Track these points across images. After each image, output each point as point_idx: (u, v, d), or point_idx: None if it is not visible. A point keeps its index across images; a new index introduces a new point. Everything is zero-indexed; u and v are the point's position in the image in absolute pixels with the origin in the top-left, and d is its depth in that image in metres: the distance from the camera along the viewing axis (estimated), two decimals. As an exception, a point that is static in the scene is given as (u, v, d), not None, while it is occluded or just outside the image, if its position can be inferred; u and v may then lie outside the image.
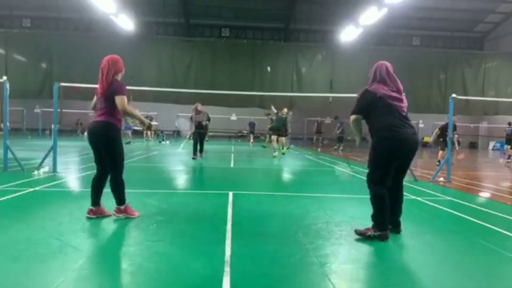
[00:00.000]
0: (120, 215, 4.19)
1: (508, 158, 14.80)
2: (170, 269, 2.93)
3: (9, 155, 7.80)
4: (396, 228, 3.93)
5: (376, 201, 3.71)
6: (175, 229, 4.04)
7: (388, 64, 4.26)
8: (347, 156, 14.13)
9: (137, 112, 4.29)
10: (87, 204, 4.27)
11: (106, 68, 4.05)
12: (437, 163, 11.63)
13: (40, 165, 7.73)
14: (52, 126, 8.01)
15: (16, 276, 2.66)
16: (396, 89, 4.04)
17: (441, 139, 11.58)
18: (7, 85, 7.75)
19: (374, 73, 4.19)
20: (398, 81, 4.11)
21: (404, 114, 3.88)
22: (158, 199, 5.52)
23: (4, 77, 7.76)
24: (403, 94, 4.06)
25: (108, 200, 4.35)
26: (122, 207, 4.22)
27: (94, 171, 4.34)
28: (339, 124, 19.29)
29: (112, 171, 4.15)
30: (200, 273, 2.82)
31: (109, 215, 4.25)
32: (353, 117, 3.87)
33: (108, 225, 3.96)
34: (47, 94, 18.72)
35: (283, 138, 14.24)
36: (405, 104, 3.97)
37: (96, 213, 4.22)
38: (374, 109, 3.85)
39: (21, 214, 4.43)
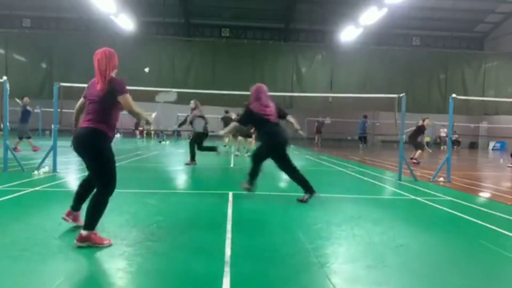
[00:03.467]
0: (84, 244, 3.24)
1: None
2: (170, 269, 2.93)
3: (9, 155, 7.80)
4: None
5: (254, 170, 5.74)
6: (175, 229, 4.04)
7: (263, 86, 5.77)
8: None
9: (141, 110, 3.65)
10: (87, 204, 4.26)
11: (103, 63, 3.41)
12: (414, 161, 12.45)
13: (40, 165, 7.73)
14: (52, 126, 8.01)
15: (16, 276, 2.66)
16: (265, 105, 5.62)
17: (418, 140, 12.70)
18: (7, 85, 7.75)
19: (253, 94, 5.69)
20: (269, 98, 5.73)
21: (274, 121, 5.63)
22: (158, 199, 5.51)
23: (4, 77, 7.76)
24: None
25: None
26: (85, 233, 3.27)
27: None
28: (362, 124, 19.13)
29: (100, 187, 3.42)
30: (200, 273, 2.82)
31: (79, 226, 3.56)
32: (235, 123, 5.54)
33: (108, 225, 3.95)
34: (47, 94, 18.73)
35: (251, 139, 13.90)
36: (273, 115, 5.62)
37: (74, 219, 3.76)
38: (253, 121, 5.74)
39: (21, 214, 4.43)
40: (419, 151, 12.54)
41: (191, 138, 10.84)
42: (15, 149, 11.53)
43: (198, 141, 10.45)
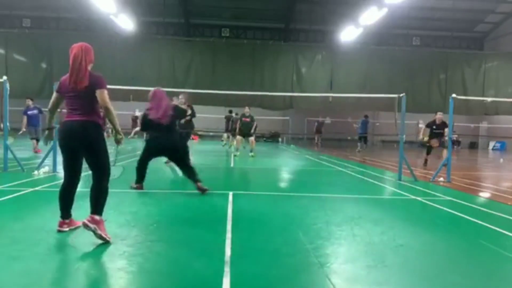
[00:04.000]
0: (92, 226, 3.34)
1: None
2: (170, 269, 2.93)
3: (9, 155, 7.80)
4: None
5: (138, 169, 6.22)
6: (175, 229, 4.04)
7: (156, 92, 6.06)
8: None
9: (116, 118, 3.59)
10: (87, 204, 4.25)
11: (79, 57, 3.41)
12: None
13: (40, 165, 7.73)
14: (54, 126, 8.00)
15: (16, 276, 2.66)
16: (156, 109, 5.89)
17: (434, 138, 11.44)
18: (7, 85, 7.75)
19: (149, 99, 6.05)
20: (162, 102, 5.94)
21: (166, 125, 5.86)
22: (158, 199, 5.52)
23: (4, 77, 7.76)
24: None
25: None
26: (98, 218, 3.43)
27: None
28: (360, 124, 19.07)
29: (101, 176, 3.56)
30: (200, 273, 2.82)
31: (79, 226, 3.63)
32: (138, 128, 5.89)
33: (108, 225, 3.95)
34: (47, 94, 18.70)
35: (251, 138, 13.73)
36: (165, 118, 5.85)
37: (70, 225, 3.72)
38: (150, 125, 6.09)
39: (21, 214, 4.43)
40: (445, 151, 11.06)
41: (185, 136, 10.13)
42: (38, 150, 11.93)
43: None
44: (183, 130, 9.71)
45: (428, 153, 12.07)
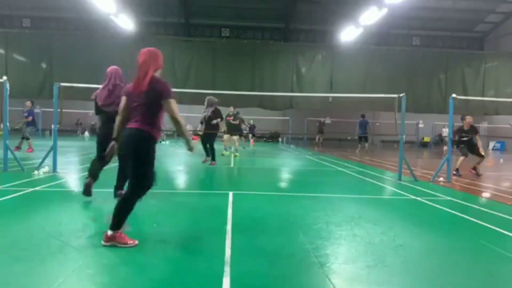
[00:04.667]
0: (108, 243, 3.26)
1: None
2: (170, 269, 2.93)
3: (9, 155, 7.80)
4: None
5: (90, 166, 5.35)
6: (175, 229, 4.04)
7: (110, 69, 5.06)
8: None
9: (185, 127, 3.47)
10: (87, 204, 4.27)
11: (146, 63, 3.32)
12: (454, 172, 9.50)
13: (40, 165, 7.73)
14: (52, 126, 8.01)
15: (16, 276, 2.66)
16: (100, 93, 5.05)
17: (462, 145, 9.78)
18: (7, 85, 7.75)
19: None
20: (115, 84, 4.95)
21: (109, 111, 4.81)
22: (159, 199, 5.51)
23: (4, 77, 7.76)
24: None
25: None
26: (110, 233, 3.27)
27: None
28: (358, 124, 19.18)
29: (133, 189, 3.38)
30: (200, 273, 2.82)
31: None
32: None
33: (108, 225, 3.95)
34: (47, 94, 18.70)
35: (234, 138, 13.87)
36: (112, 106, 4.79)
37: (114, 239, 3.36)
38: (98, 112, 5.13)
39: (21, 214, 4.43)
40: (461, 158, 9.82)
41: (206, 136, 10.69)
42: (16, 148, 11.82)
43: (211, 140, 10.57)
44: (211, 131, 10.44)
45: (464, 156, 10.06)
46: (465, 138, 9.79)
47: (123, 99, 3.47)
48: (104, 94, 4.86)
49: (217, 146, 11.28)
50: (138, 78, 3.31)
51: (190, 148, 3.59)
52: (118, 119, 3.49)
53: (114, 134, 3.50)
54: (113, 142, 3.48)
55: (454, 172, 9.53)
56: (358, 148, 19.14)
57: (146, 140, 3.33)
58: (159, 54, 3.47)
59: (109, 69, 4.98)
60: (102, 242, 3.27)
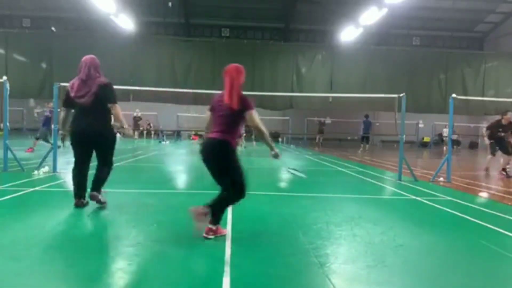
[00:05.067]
0: (211, 236, 3.58)
1: None
2: (170, 269, 2.93)
3: (9, 155, 7.80)
4: None
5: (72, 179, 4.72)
6: (175, 229, 4.04)
7: (85, 59, 4.59)
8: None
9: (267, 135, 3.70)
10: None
11: (234, 78, 3.64)
12: (503, 172, 9.83)
13: (40, 165, 7.73)
14: (52, 126, 8.01)
15: (16, 276, 2.66)
16: (72, 83, 4.55)
17: (493, 140, 9.91)
18: (7, 85, 7.75)
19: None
20: (89, 74, 4.49)
21: (85, 106, 4.41)
22: (158, 199, 5.52)
23: (4, 77, 7.76)
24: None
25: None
26: (215, 227, 3.62)
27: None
28: (362, 124, 19.19)
29: (235, 192, 3.63)
30: (200, 273, 2.82)
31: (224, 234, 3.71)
32: (62, 113, 4.58)
33: (109, 226, 3.96)
34: (47, 94, 18.69)
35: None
36: (86, 98, 4.40)
37: (216, 232, 3.65)
38: (69, 104, 4.59)
39: (21, 214, 4.42)
40: (489, 157, 10.01)
41: None
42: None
43: None
44: None
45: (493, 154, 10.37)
46: (502, 134, 9.80)
47: (210, 115, 3.79)
48: (75, 85, 4.43)
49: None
50: (229, 96, 3.59)
51: (275, 155, 3.79)
52: (205, 132, 3.88)
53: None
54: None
55: (504, 173, 9.59)
56: (361, 148, 19.15)
57: (231, 150, 3.60)
58: (243, 70, 3.79)
59: (84, 58, 4.59)
60: (204, 235, 3.57)
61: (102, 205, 4.64)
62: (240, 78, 3.69)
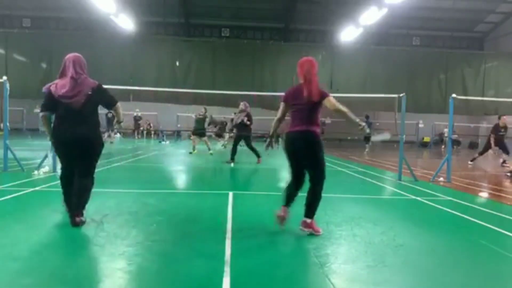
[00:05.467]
0: (307, 230, 3.81)
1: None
2: (170, 269, 2.93)
3: (9, 155, 7.80)
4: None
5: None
6: (175, 229, 4.04)
7: (70, 57, 4.16)
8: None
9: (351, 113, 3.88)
10: (87, 203, 4.22)
11: (311, 71, 3.79)
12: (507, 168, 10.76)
13: (40, 165, 7.73)
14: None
15: (16, 276, 2.66)
16: (61, 82, 3.97)
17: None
18: (7, 85, 7.75)
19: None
20: (69, 71, 4.01)
21: (76, 110, 3.86)
22: (158, 199, 5.51)
23: (4, 77, 7.76)
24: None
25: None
26: (309, 221, 3.84)
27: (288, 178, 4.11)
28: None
29: (320, 180, 3.97)
30: (200, 273, 2.82)
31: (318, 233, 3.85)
32: (40, 114, 4.05)
33: (108, 226, 3.96)
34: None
35: (204, 138, 13.97)
36: (75, 98, 3.87)
37: (309, 227, 3.86)
38: (51, 106, 3.98)
39: (21, 214, 4.42)
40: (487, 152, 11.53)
41: (235, 138, 11.54)
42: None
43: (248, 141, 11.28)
44: (245, 133, 11.10)
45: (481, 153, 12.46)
46: (503, 134, 11.46)
47: (283, 105, 3.98)
48: (67, 84, 3.89)
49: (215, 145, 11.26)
50: (309, 89, 3.74)
51: (363, 129, 3.95)
52: (276, 123, 4.14)
53: (271, 133, 4.29)
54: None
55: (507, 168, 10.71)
56: (366, 149, 19.20)
57: (318, 139, 3.84)
58: (316, 63, 3.95)
59: (68, 56, 4.18)
60: (301, 227, 3.82)
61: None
62: (315, 70, 3.83)
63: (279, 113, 4.06)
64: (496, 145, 11.47)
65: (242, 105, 11.33)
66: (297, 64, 3.92)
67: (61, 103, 3.84)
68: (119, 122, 4.36)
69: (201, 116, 13.80)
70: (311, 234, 3.84)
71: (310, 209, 3.85)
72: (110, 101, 4.13)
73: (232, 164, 10.69)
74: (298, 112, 3.82)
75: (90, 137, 3.94)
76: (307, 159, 3.88)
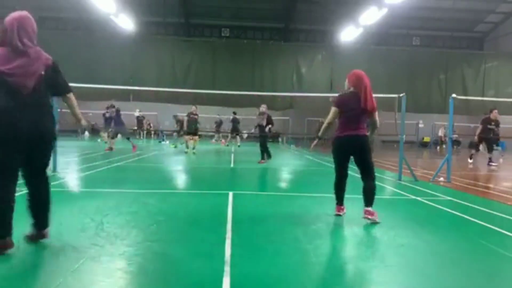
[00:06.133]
0: (371, 217, 4.36)
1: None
2: (170, 269, 2.93)
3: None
4: None
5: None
6: (175, 229, 4.04)
7: (17, 18, 3.23)
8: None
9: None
10: (87, 204, 4.26)
11: (368, 84, 4.49)
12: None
13: None
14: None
15: (16, 276, 2.65)
16: (7, 57, 2.95)
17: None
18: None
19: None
20: (23, 41, 3.07)
21: (25, 93, 2.91)
22: (158, 199, 5.51)
23: (4, 77, 7.73)
24: None
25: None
26: (372, 209, 4.41)
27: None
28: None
29: (370, 174, 4.71)
30: (200, 273, 2.82)
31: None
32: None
33: (108, 225, 3.96)
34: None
35: (196, 137, 14.08)
36: (24, 80, 2.91)
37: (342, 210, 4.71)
38: None
39: (21, 214, 4.41)
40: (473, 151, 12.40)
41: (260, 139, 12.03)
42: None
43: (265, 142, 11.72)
44: (262, 133, 11.55)
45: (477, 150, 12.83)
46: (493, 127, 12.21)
47: (335, 110, 4.64)
48: (5, 56, 2.95)
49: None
50: (368, 101, 4.49)
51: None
52: (326, 125, 4.90)
53: (321, 134, 5.41)
54: None
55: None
56: None
57: (368, 141, 4.59)
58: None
59: (11, 17, 3.27)
60: (365, 216, 4.37)
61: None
62: (369, 83, 4.51)
63: (331, 118, 4.71)
64: (481, 140, 12.37)
65: (262, 108, 11.70)
66: (354, 74, 4.58)
67: (4, 83, 2.86)
68: (78, 120, 3.47)
69: (195, 116, 13.77)
70: (305, 234, 3.84)
71: (371, 200, 4.48)
72: (63, 84, 3.30)
73: (265, 162, 11.21)
74: (354, 117, 4.49)
75: (51, 132, 3.11)
76: (361, 158, 4.61)
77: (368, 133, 4.64)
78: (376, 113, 4.61)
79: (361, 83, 4.44)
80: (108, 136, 15.40)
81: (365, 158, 4.59)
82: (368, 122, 4.68)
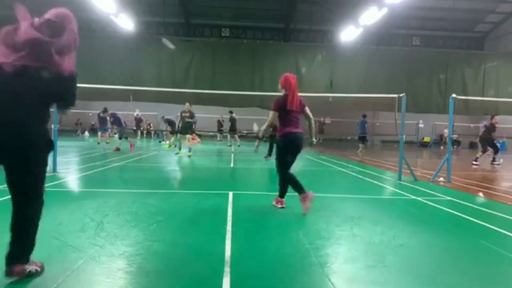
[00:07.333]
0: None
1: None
2: (170, 269, 2.93)
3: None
4: None
5: None
6: (175, 229, 4.04)
7: None
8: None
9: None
10: (87, 204, 4.26)
11: (294, 85, 4.88)
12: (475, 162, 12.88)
13: None
14: (52, 126, 8.01)
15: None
16: None
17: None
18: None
19: None
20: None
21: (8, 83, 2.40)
22: (158, 199, 5.51)
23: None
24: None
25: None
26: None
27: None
28: (360, 124, 19.18)
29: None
30: (200, 273, 2.82)
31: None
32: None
33: (108, 225, 3.96)
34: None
35: (189, 136, 13.43)
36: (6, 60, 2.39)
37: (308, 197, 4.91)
38: None
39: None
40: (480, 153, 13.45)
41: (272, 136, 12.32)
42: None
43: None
44: (273, 132, 11.40)
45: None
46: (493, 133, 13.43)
47: (274, 113, 4.92)
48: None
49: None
50: (294, 99, 4.86)
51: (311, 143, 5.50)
52: (266, 127, 5.26)
53: (261, 135, 5.90)
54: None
55: (476, 164, 12.65)
56: (359, 149, 19.14)
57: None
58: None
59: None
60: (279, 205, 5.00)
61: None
62: (295, 84, 4.91)
63: (270, 119, 5.00)
64: (484, 142, 13.50)
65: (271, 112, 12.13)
66: (285, 78, 4.91)
67: None
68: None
69: (186, 114, 13.53)
70: (305, 234, 3.84)
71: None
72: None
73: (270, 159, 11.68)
74: (295, 118, 4.88)
75: (32, 137, 2.44)
76: (298, 153, 5.02)
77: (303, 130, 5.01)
78: (307, 107, 5.00)
79: (290, 85, 4.85)
80: (111, 136, 15.53)
81: (297, 154, 5.08)
82: (305, 119, 5.07)
